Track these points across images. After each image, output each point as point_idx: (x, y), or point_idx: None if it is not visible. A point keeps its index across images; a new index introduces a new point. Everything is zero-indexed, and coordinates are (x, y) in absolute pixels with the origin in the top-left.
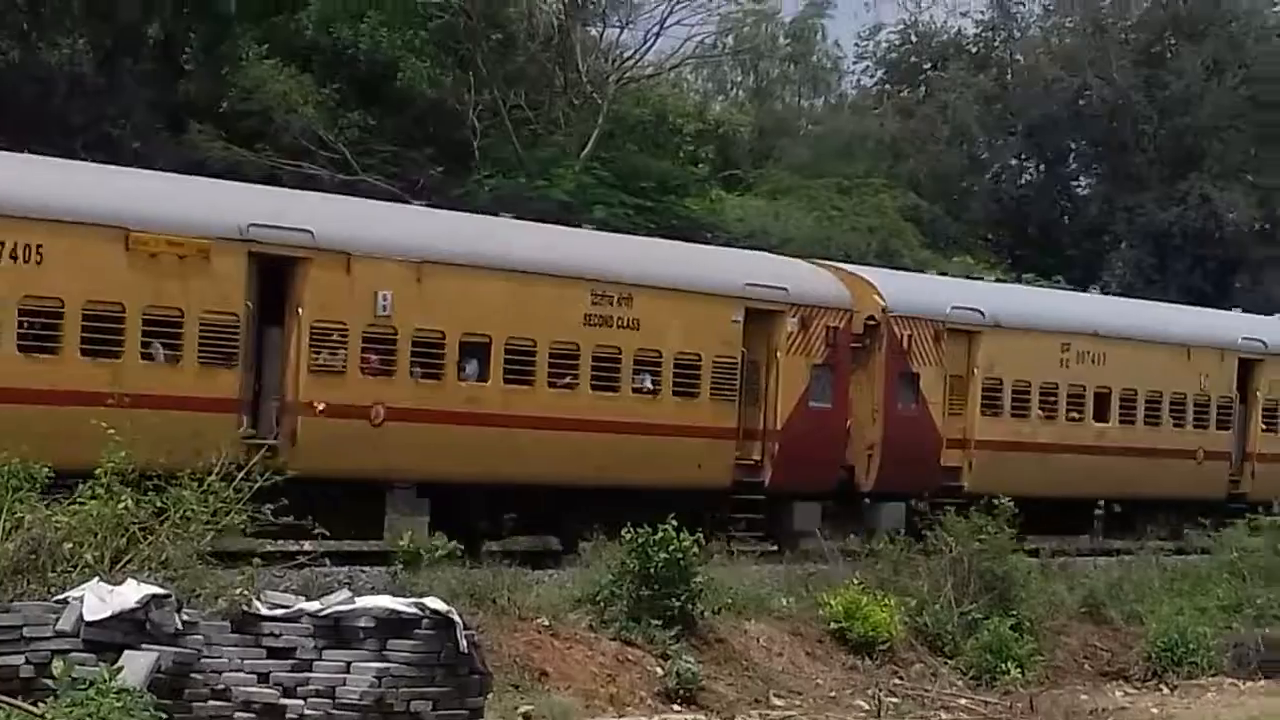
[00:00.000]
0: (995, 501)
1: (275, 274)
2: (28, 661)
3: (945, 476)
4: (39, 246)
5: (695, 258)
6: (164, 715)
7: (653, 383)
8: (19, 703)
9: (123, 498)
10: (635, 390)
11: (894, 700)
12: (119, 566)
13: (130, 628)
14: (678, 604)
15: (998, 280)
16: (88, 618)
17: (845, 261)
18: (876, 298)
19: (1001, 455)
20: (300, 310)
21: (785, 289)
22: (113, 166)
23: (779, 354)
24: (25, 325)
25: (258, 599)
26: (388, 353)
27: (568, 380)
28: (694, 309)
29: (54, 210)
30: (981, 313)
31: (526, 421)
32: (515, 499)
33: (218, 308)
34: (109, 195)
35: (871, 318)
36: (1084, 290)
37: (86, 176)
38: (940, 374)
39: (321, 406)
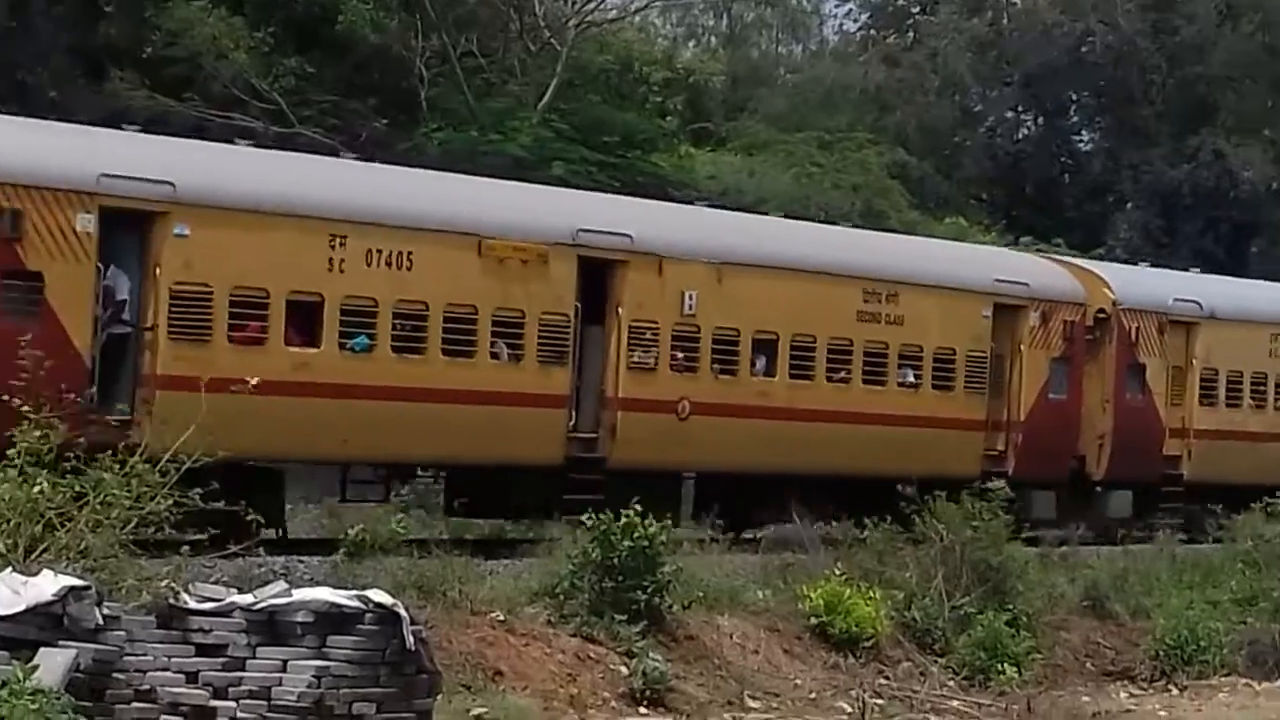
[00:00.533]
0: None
1: (595, 275)
2: None
3: (1166, 465)
4: (409, 254)
5: (951, 254)
6: (83, 718)
7: (914, 376)
8: None
9: (38, 481)
10: (900, 384)
11: (879, 702)
12: (34, 556)
13: (46, 623)
14: (644, 597)
15: (993, 244)
16: None
17: (825, 222)
18: (1106, 291)
19: (1217, 444)
20: (620, 310)
21: (1027, 284)
22: (463, 176)
23: (1022, 347)
24: (398, 328)
25: (185, 591)
26: (692, 350)
27: (842, 375)
28: (951, 305)
29: (423, 221)
30: (1199, 304)
31: (808, 415)
32: (787, 488)
33: (553, 309)
34: (467, 206)
35: (1102, 311)
36: (1086, 254)
37: (446, 187)
38: (1163, 365)
39: (636, 401)
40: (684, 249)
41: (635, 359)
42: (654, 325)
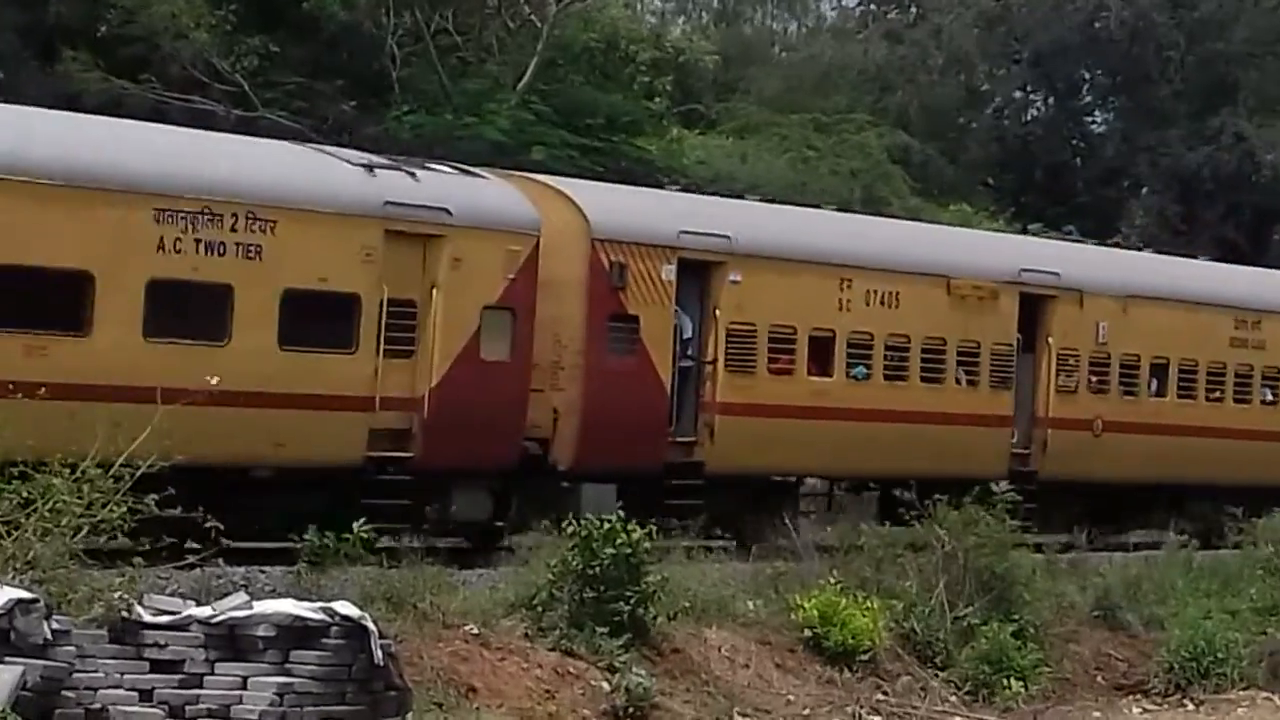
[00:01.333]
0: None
1: (1029, 309)
2: None
3: None
4: (896, 294)
5: None
6: None
7: (1273, 395)
8: None
9: None
10: (1262, 402)
11: (877, 718)
12: None
13: None
14: (627, 608)
15: (999, 231)
16: None
17: (820, 207)
18: None
19: None
20: (1049, 339)
21: None
22: (933, 225)
23: None
24: (888, 358)
25: (140, 604)
26: (1104, 374)
27: (1216, 394)
28: None
29: (907, 265)
30: None
31: (1193, 431)
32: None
33: (1001, 339)
34: (937, 250)
35: None
36: (1102, 243)
37: (922, 234)
38: None
39: (1062, 420)
40: (1099, 285)
41: (1061, 383)
42: (1075, 353)
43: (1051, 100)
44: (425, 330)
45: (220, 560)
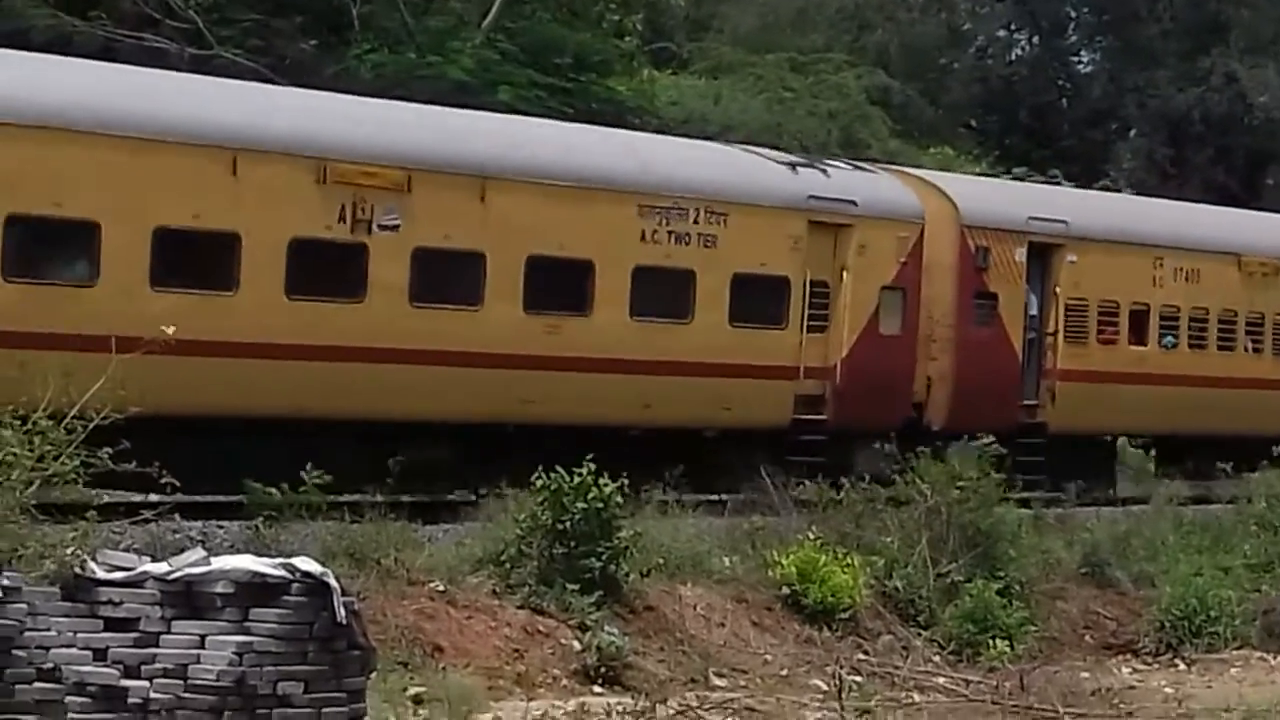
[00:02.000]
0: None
1: None
2: None
3: None
4: (1197, 270)
5: None
6: None
7: None
8: None
9: None
10: None
11: (857, 679)
12: None
13: None
14: (598, 565)
15: (982, 175)
16: None
17: (800, 151)
18: None
19: None
20: None
21: None
22: (1222, 209)
23: None
24: (1191, 329)
25: (93, 560)
26: None
27: None
28: None
29: (1205, 245)
30: None
31: None
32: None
33: None
34: (1228, 232)
35: None
36: (1086, 186)
37: (1216, 218)
38: None
39: None
40: None
41: None
42: None
43: (1036, 39)
44: (836, 308)
45: (176, 515)
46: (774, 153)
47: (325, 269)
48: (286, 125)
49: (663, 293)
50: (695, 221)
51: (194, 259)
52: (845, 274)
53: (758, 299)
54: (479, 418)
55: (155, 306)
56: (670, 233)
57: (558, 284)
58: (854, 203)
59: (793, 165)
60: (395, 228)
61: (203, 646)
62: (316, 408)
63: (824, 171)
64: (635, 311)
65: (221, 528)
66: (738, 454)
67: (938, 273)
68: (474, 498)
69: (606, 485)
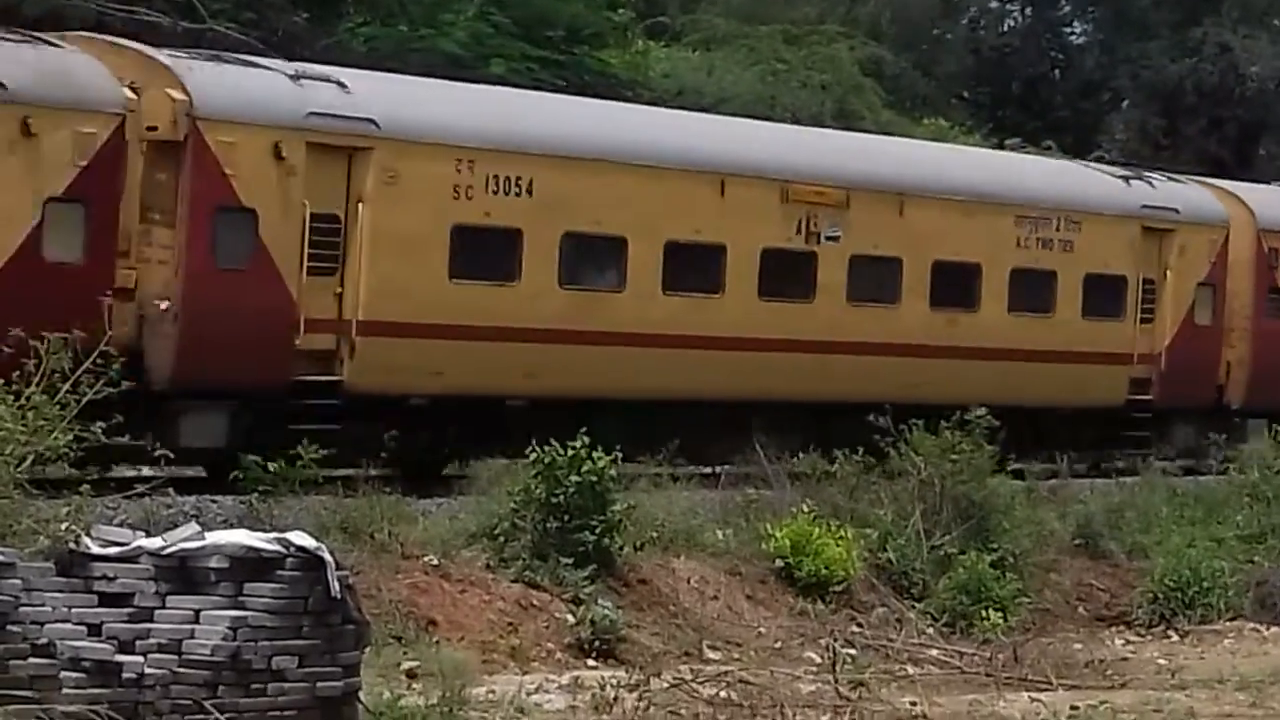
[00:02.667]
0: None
1: None
2: None
3: None
4: None
5: None
6: None
7: None
8: None
9: None
10: None
11: (851, 652)
12: None
13: None
14: (592, 538)
15: (975, 146)
16: None
17: (794, 123)
18: None
19: None
20: None
21: None
22: None
23: None
24: None
25: (87, 535)
26: None
27: None
28: None
29: None
30: None
31: None
32: None
33: None
34: None
35: None
36: (1079, 157)
37: None
38: None
39: None
40: None
41: None
42: None
43: (1029, 10)
44: (1161, 302)
45: (170, 490)
46: (1109, 167)
47: (786, 274)
48: (759, 154)
49: (1032, 291)
50: (1057, 229)
51: (692, 267)
52: (1169, 273)
53: (1103, 295)
54: (896, 398)
55: (665, 308)
56: (1038, 239)
57: (955, 284)
58: (1176, 210)
59: (1126, 179)
60: (837, 238)
61: (197, 621)
62: (779, 391)
63: (1150, 183)
64: (1011, 307)
65: (215, 503)
66: (1072, 430)
67: (1238, 271)
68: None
69: (600, 459)
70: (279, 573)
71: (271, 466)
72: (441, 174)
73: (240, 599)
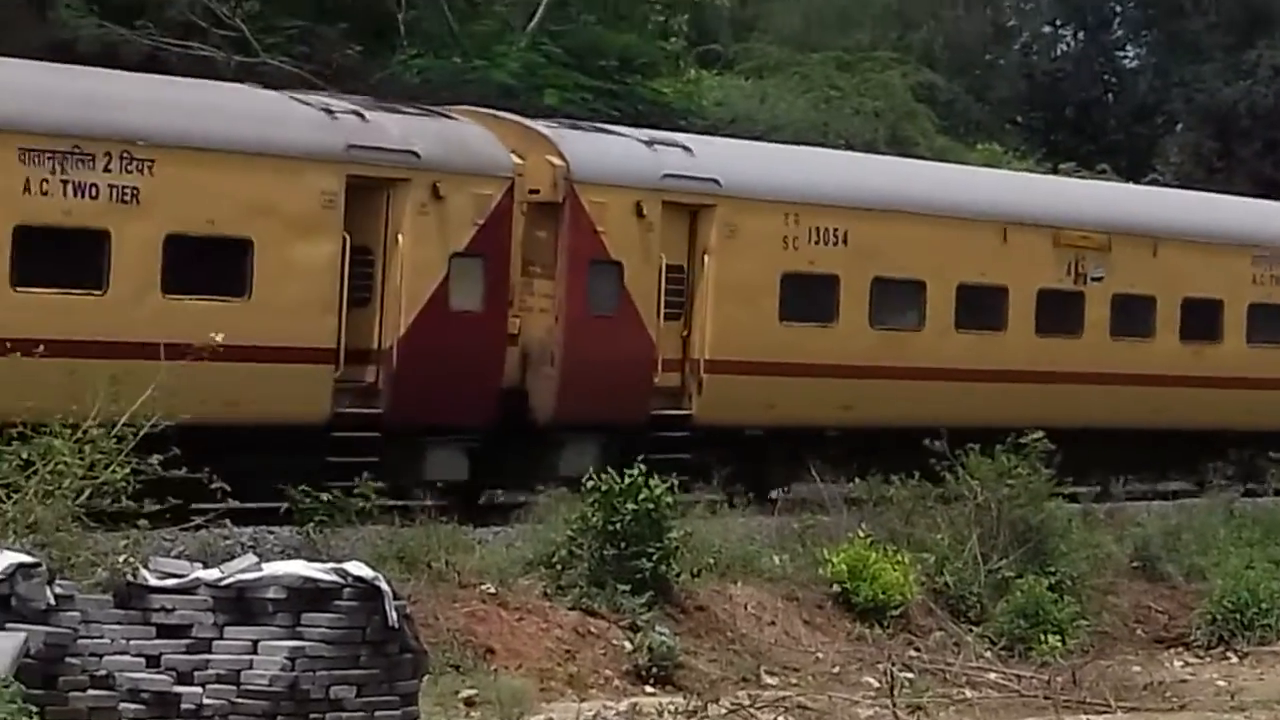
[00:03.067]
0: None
1: None
2: None
3: None
4: None
5: None
6: (34, 708)
7: None
8: None
9: None
10: None
11: (909, 676)
12: None
13: None
14: (649, 565)
15: (1029, 171)
16: None
17: (847, 149)
18: None
19: None
20: None
21: None
22: None
23: None
24: None
25: (145, 567)
26: None
27: None
28: None
29: None
30: None
31: None
32: None
33: None
34: None
35: None
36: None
37: None
38: None
39: None
40: None
41: None
42: None
43: (1082, 35)
44: None
45: (227, 521)
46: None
47: (1058, 312)
48: (1035, 204)
49: (1267, 324)
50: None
51: (980, 307)
52: None
53: (1202, 320)
54: (1147, 423)
55: (958, 344)
56: (1271, 276)
57: (1201, 319)
58: None
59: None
60: (1101, 279)
61: (255, 652)
62: (1048, 418)
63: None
64: (1250, 339)
65: (272, 533)
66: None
67: None
68: (521, 500)
69: (656, 486)
70: (336, 603)
71: (325, 496)
72: (773, 227)
73: (298, 629)
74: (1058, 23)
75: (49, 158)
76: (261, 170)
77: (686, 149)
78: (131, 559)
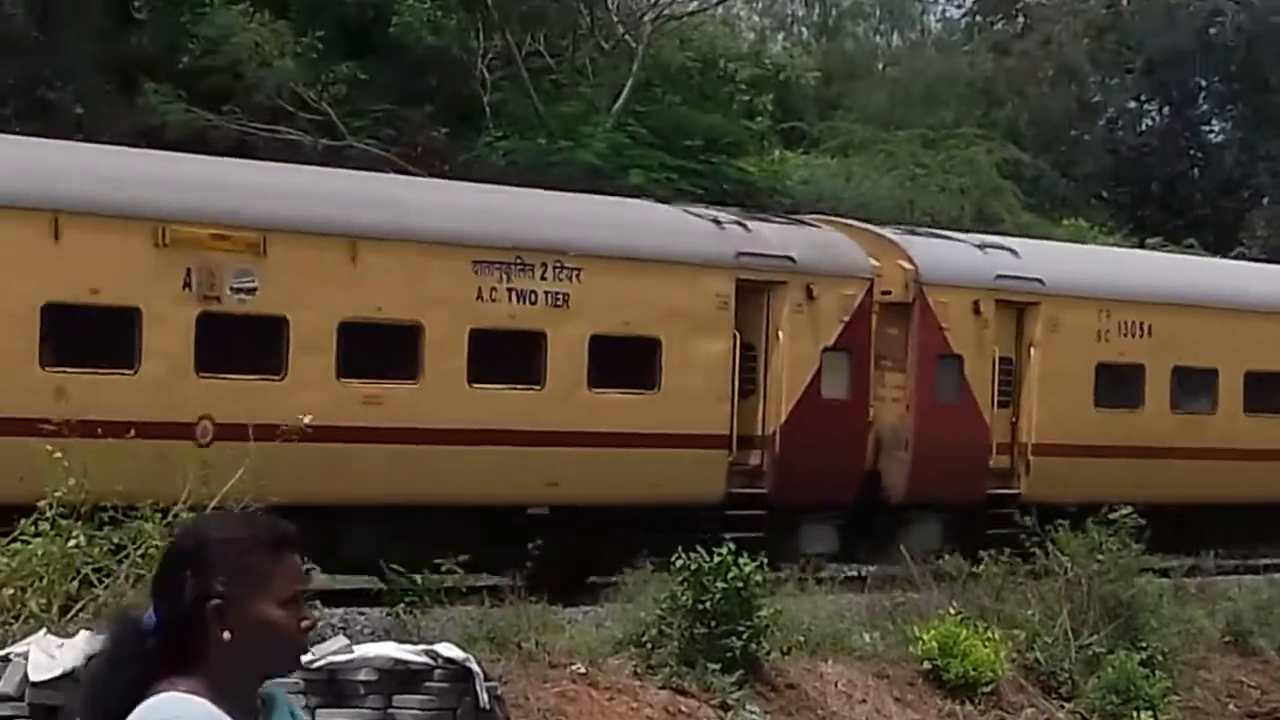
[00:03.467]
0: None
1: None
2: None
3: None
4: None
5: None
6: None
7: None
8: None
9: (74, 534)
10: None
11: None
12: (70, 616)
13: None
14: (739, 643)
15: (1116, 246)
16: (33, 678)
17: (932, 226)
18: None
19: None
20: None
21: None
22: None
23: None
24: None
25: None
26: None
27: None
28: None
29: None
30: None
31: None
32: None
33: None
34: None
35: None
36: (1220, 254)
37: None
38: None
39: None
40: None
41: None
42: None
43: (1166, 110)
44: None
45: (317, 602)
46: None
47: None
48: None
49: None
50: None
51: (1271, 392)
52: None
53: None
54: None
55: (1246, 427)
56: None
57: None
58: None
59: None
60: None
61: None
62: (1250, 495)
63: None
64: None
65: (362, 614)
66: None
67: None
68: (612, 579)
69: (746, 564)
70: (427, 684)
71: (416, 578)
72: (1088, 321)
73: (390, 711)
74: (1143, 98)
75: (497, 268)
76: (668, 276)
77: (1013, 252)
78: None
